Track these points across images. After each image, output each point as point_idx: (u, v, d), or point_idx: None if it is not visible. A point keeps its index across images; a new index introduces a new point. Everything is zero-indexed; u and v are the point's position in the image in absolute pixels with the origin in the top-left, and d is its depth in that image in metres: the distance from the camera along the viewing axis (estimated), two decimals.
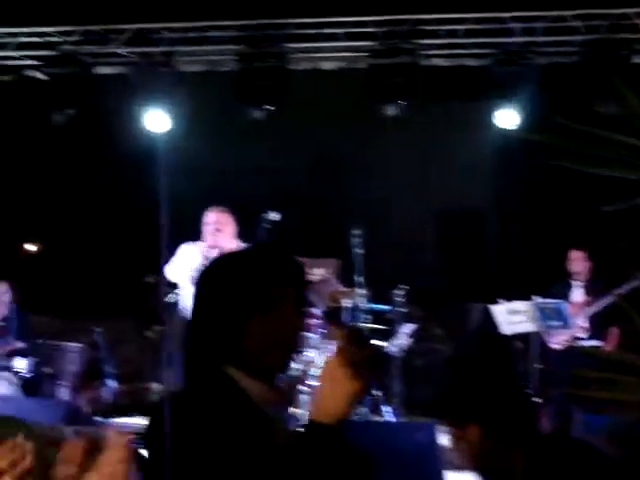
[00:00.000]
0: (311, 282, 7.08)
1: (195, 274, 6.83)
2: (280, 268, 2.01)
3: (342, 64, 9.39)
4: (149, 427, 1.91)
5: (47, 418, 5.12)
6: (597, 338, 7.71)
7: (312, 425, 1.72)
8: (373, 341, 1.91)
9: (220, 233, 7.19)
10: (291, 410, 6.88)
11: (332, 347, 1.82)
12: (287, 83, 9.04)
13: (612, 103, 7.58)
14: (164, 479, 1.81)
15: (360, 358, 1.72)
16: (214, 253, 7.02)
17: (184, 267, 7.14)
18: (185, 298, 7.30)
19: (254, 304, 1.95)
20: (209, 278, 2.07)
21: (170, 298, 8.55)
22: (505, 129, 8.89)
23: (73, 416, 5.34)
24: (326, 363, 1.77)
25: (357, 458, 1.72)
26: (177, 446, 1.79)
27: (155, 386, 9.49)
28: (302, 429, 1.76)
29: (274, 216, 7.37)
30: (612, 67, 7.95)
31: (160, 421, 1.88)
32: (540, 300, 7.49)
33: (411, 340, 8.96)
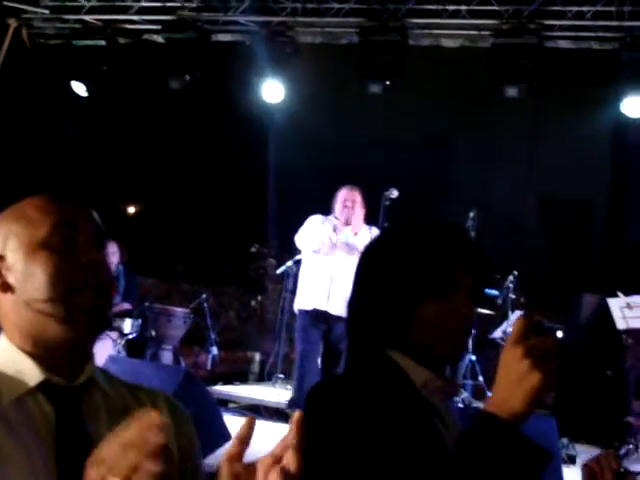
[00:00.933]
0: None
1: (327, 245, 6.87)
2: (461, 251, 1.91)
3: (464, 42, 9.17)
4: (307, 409, 1.80)
5: (164, 383, 5.14)
6: None
7: (485, 417, 1.61)
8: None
9: (352, 210, 7.28)
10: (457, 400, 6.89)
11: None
12: (406, 59, 8.89)
13: None
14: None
15: (539, 349, 1.60)
16: (340, 227, 7.08)
17: (317, 237, 7.21)
18: (311, 268, 7.38)
19: (432, 287, 1.86)
20: (378, 253, 1.95)
21: (283, 268, 8.59)
22: (628, 118, 8.60)
23: (189, 383, 5.35)
24: (504, 353, 1.65)
25: (535, 457, 1.61)
26: (333, 432, 1.72)
27: (255, 355, 9.54)
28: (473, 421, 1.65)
29: (393, 193, 7.34)
30: None
31: (318, 405, 1.79)
32: None
33: None
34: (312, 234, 7.26)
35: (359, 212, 7.25)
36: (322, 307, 7.29)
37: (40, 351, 1.64)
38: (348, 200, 7.29)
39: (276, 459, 1.25)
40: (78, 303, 1.62)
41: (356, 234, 7.21)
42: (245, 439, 1.28)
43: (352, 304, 1.97)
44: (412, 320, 1.85)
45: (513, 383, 1.57)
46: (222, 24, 9.44)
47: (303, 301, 7.43)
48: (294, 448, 1.23)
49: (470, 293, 1.89)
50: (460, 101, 10.56)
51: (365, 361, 1.88)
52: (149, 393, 1.80)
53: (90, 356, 1.71)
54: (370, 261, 1.96)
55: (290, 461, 1.23)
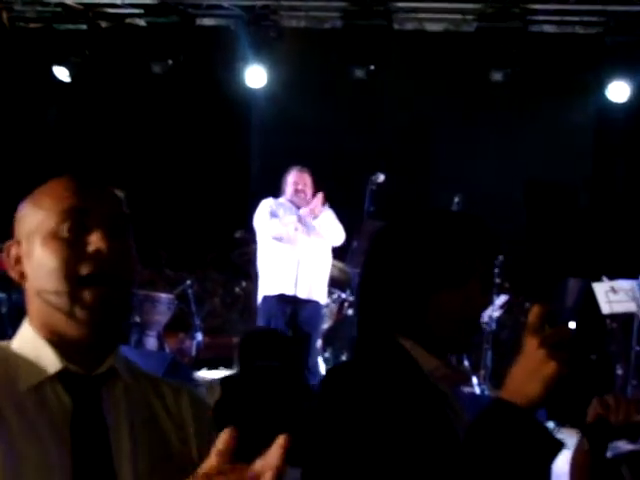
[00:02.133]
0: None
1: (295, 230, 6.80)
2: (476, 239, 1.90)
3: (448, 26, 9.15)
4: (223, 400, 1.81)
5: (150, 370, 5.12)
6: None
7: (499, 403, 1.62)
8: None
9: (303, 194, 7.29)
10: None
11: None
12: (391, 43, 8.86)
13: None
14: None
15: (554, 339, 1.62)
16: (306, 213, 7.10)
17: (283, 228, 7.14)
18: (275, 254, 7.31)
19: (448, 276, 1.85)
20: (392, 241, 1.94)
21: None
22: (613, 103, 8.61)
23: (176, 369, 5.34)
24: (524, 343, 1.66)
25: (548, 444, 1.62)
26: (340, 417, 1.72)
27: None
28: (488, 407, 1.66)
29: (380, 177, 7.32)
30: None
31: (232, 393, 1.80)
32: None
33: (502, 312, 8.83)
34: (278, 224, 7.18)
35: (319, 195, 7.22)
36: (290, 292, 7.26)
37: (57, 340, 1.61)
38: (299, 183, 7.30)
39: (254, 476, 1.24)
40: (82, 298, 1.58)
41: (316, 217, 7.18)
42: (226, 454, 1.27)
43: (364, 289, 1.96)
44: (427, 308, 1.85)
45: (529, 372, 1.61)
46: (205, 8, 9.37)
47: (269, 287, 7.36)
48: (274, 470, 1.23)
49: (483, 279, 1.89)
50: (444, 86, 10.55)
51: (376, 347, 1.88)
52: (172, 387, 1.77)
53: (113, 346, 1.66)
54: (385, 247, 1.95)
55: None
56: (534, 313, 1.65)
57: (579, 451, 2.31)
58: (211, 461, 1.27)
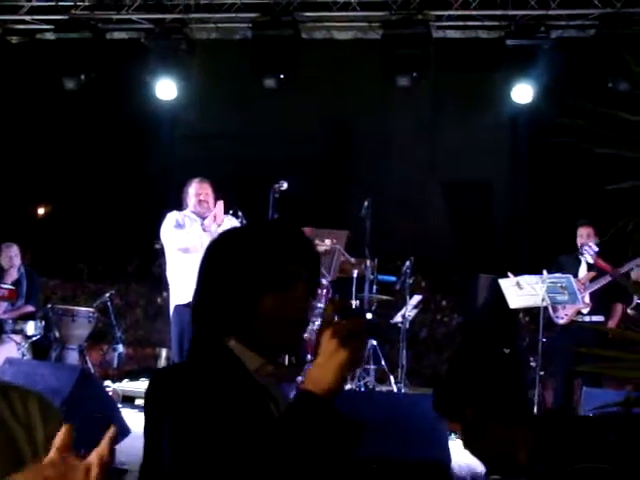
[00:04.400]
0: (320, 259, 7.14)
1: (198, 245, 6.81)
2: (295, 246, 2.04)
3: (356, 34, 9.35)
4: (149, 393, 1.94)
5: (60, 383, 5.18)
6: (599, 314, 7.72)
7: (301, 395, 1.76)
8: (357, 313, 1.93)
9: (206, 203, 7.34)
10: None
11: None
12: (300, 52, 9.02)
13: (623, 80, 7.57)
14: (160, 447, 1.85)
15: (345, 330, 1.76)
16: (210, 222, 7.13)
17: (189, 239, 7.18)
18: (182, 264, 7.36)
19: (269, 281, 1.98)
20: (222, 251, 2.08)
21: None
22: (519, 104, 8.87)
23: (85, 381, 5.40)
24: (318, 335, 1.81)
25: (347, 428, 1.76)
26: (173, 412, 1.83)
27: (162, 351, 9.58)
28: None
29: (283, 185, 7.39)
30: (625, 42, 7.89)
31: (158, 388, 1.92)
32: (548, 275, 7.51)
33: (416, 311, 9.02)
34: (183, 235, 7.24)
35: (219, 203, 7.29)
36: None
37: None
38: (201, 193, 7.36)
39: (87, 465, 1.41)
40: None
41: (219, 225, 7.25)
42: (64, 449, 1.42)
43: (197, 295, 2.09)
44: (253, 311, 1.98)
45: (324, 362, 1.76)
46: (116, 22, 9.43)
47: (179, 296, 7.40)
48: (101, 459, 1.41)
49: (307, 285, 2.03)
50: (359, 92, 10.71)
51: (204, 348, 2.00)
52: (21, 392, 1.84)
53: None
54: (215, 256, 2.09)
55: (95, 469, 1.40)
56: (328, 308, 1.81)
57: None
58: (51, 455, 1.41)
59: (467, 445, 2.58)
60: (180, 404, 1.82)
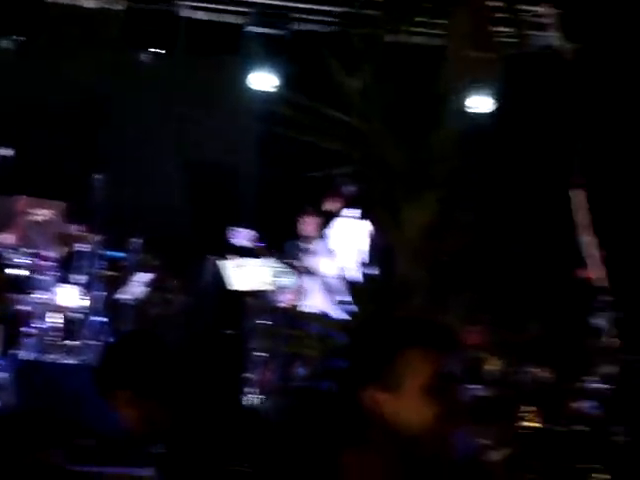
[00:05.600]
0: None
1: None
2: None
3: (103, 4, 9.16)
4: None
5: None
6: None
7: None
8: None
9: None
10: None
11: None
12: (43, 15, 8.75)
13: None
14: None
15: None
16: None
17: None
18: None
19: None
20: None
21: None
22: (259, 91, 9.06)
23: None
24: None
25: None
26: None
27: None
28: None
29: (6, 152, 7.16)
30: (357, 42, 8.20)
31: None
32: (271, 259, 7.75)
33: (147, 289, 9.00)
34: None
35: None
36: None
37: None
38: None
39: None
40: None
41: None
42: None
43: None
44: None
45: None
46: None
47: None
48: None
49: None
50: (106, 65, 10.39)
51: None
52: None
53: None
54: None
55: None
56: None
57: None
58: None
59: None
60: None
